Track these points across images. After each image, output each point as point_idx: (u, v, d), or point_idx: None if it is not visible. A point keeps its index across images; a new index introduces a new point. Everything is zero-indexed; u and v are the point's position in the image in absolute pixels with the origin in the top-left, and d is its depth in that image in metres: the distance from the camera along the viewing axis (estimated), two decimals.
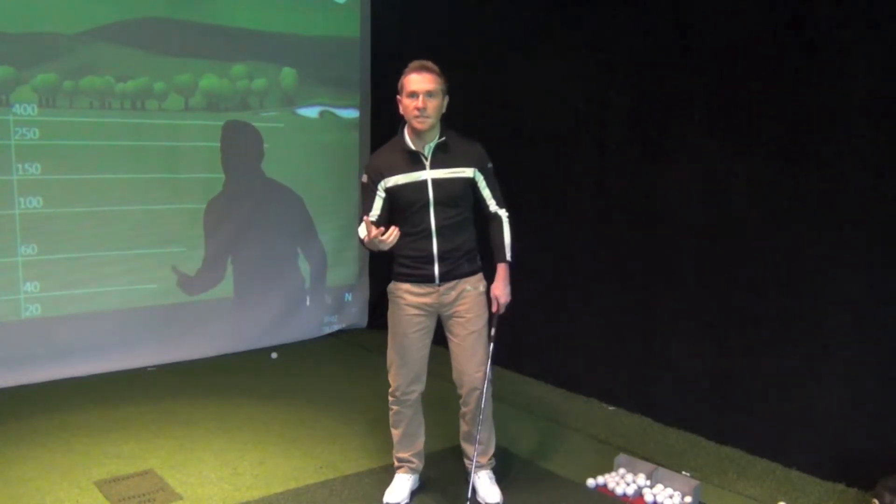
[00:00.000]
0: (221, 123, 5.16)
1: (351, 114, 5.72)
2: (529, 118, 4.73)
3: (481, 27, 5.00)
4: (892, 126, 3.22)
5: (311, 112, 5.55)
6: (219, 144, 5.17)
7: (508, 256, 3.15)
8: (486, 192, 3.12)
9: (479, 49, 5.01)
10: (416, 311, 3.10)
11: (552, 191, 4.65)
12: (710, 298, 3.90)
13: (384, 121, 5.65)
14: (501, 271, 3.14)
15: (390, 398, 3.26)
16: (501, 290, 3.14)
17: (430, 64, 2.98)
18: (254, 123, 5.30)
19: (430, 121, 2.95)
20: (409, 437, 3.29)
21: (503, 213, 3.16)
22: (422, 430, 3.33)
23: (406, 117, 2.99)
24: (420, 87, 2.92)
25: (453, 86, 3.03)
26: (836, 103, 3.37)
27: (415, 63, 2.98)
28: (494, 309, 3.14)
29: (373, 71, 5.73)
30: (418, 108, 2.91)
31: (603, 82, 4.33)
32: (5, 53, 4.41)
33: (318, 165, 5.60)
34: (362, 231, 2.90)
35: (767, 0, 3.58)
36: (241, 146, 5.28)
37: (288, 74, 5.40)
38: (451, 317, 3.14)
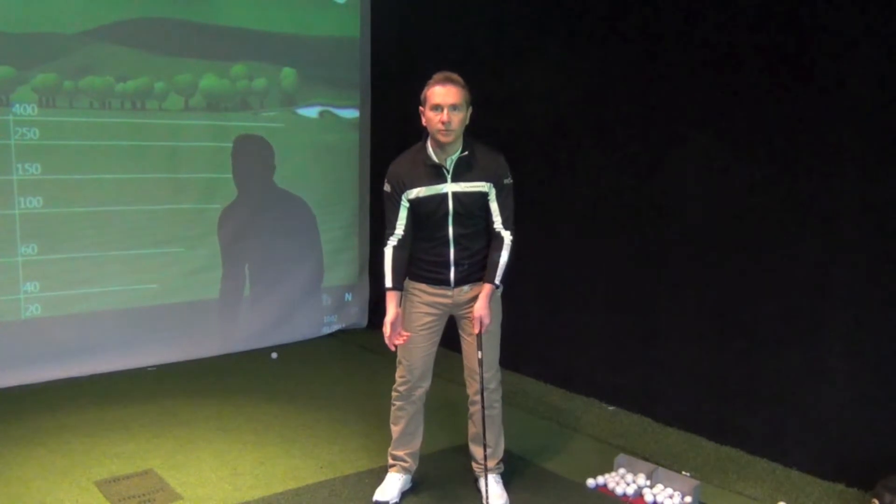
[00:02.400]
0: (221, 123, 5.16)
1: (351, 114, 5.72)
2: (529, 117, 4.73)
3: (481, 27, 5.00)
4: (892, 126, 3.22)
5: (311, 112, 5.55)
6: (218, 145, 5.17)
7: (497, 280, 3.05)
8: (495, 207, 3.06)
9: (478, 48, 5.01)
10: (428, 310, 3.13)
11: (552, 190, 4.65)
12: (711, 298, 3.90)
13: (384, 121, 5.67)
14: (486, 291, 3.04)
15: (394, 394, 3.27)
16: (484, 309, 3.02)
17: (454, 76, 2.95)
18: (254, 123, 5.30)
19: (453, 134, 2.94)
20: (407, 436, 3.30)
21: (507, 235, 3.06)
22: (420, 431, 3.33)
23: (429, 130, 2.97)
24: (444, 100, 2.89)
25: None
26: (836, 103, 3.37)
27: (439, 75, 2.95)
28: (477, 330, 3.05)
29: (373, 71, 5.72)
30: (443, 122, 2.89)
31: (603, 82, 4.33)
32: (5, 53, 4.41)
33: (318, 165, 5.60)
34: (388, 271, 3.05)
35: (767, 2, 3.58)
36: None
37: (288, 74, 5.40)
38: (464, 316, 3.16)
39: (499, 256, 3.05)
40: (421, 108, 2.98)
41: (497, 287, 3.07)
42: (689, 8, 3.88)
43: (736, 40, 3.70)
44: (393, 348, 3.05)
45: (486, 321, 3.03)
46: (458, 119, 2.93)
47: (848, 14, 3.31)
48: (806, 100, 3.47)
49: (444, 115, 2.88)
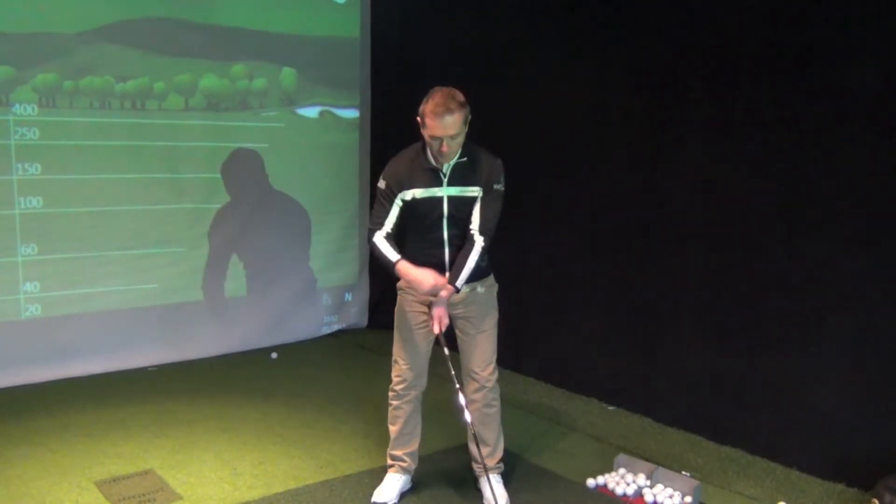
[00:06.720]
0: (221, 123, 5.15)
1: (351, 114, 5.72)
2: (530, 117, 4.73)
3: (481, 27, 5.00)
4: (892, 126, 3.22)
5: (311, 112, 5.54)
6: (218, 145, 5.16)
7: (460, 283, 3.01)
8: (477, 210, 3.03)
9: (478, 49, 5.01)
10: (423, 309, 3.13)
11: (552, 190, 4.65)
12: (710, 298, 3.90)
13: (384, 121, 5.67)
14: (446, 294, 3.01)
15: (391, 394, 3.27)
16: (443, 310, 3.01)
17: (452, 102, 2.85)
18: (254, 123, 5.29)
19: (452, 156, 2.95)
20: (405, 436, 3.30)
21: (480, 240, 3.01)
22: (419, 431, 3.33)
23: (427, 145, 2.96)
24: (444, 132, 2.85)
25: (453, 84, 2.99)
26: (837, 104, 3.38)
27: (438, 99, 2.85)
28: (436, 330, 3.02)
29: (373, 71, 5.72)
30: (442, 152, 2.89)
31: (603, 83, 4.33)
32: (5, 53, 4.40)
33: (318, 165, 5.60)
34: (387, 251, 2.99)
35: (768, 1, 3.58)
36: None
37: (288, 74, 5.40)
38: (460, 315, 3.15)
39: (466, 260, 3.00)
40: (419, 119, 2.94)
41: (457, 290, 3.04)
42: (688, 8, 3.88)
43: (736, 39, 3.69)
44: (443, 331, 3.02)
45: (445, 321, 3.02)
46: (457, 143, 2.92)
47: (849, 12, 3.31)
48: (806, 100, 3.47)
49: (444, 146, 2.88)
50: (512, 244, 4.55)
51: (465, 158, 3.00)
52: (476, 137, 3.09)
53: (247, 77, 5.24)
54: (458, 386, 3.09)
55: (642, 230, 4.18)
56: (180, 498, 3.28)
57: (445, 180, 3.00)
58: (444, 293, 3.01)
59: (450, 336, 3.17)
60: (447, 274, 3.07)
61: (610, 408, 4.37)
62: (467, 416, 3.07)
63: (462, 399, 3.08)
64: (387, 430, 3.34)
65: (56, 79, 4.58)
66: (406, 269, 2.99)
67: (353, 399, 4.49)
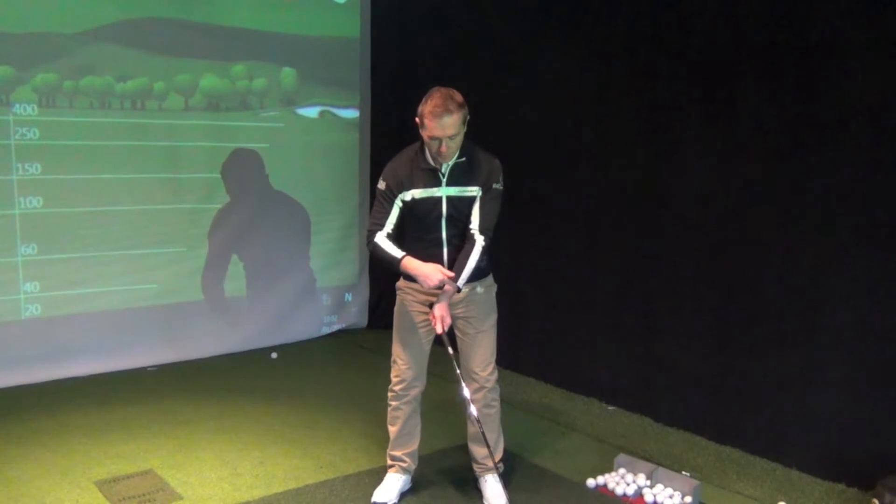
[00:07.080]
0: (221, 123, 5.15)
1: (351, 114, 5.72)
2: (529, 117, 4.73)
3: (481, 28, 5.00)
4: (892, 126, 3.22)
5: (311, 112, 5.55)
6: (218, 145, 5.16)
7: (460, 283, 2.99)
8: (476, 210, 3.03)
9: (478, 48, 5.01)
10: (422, 308, 3.13)
11: (552, 190, 4.65)
12: (710, 298, 3.90)
13: (384, 121, 5.67)
14: (447, 292, 2.99)
15: (390, 394, 3.28)
16: (444, 309, 2.97)
17: (451, 102, 2.85)
18: (254, 123, 5.29)
19: (451, 157, 2.96)
20: (404, 436, 3.30)
21: (480, 240, 3.01)
22: (418, 431, 3.33)
23: (426, 146, 2.97)
24: (443, 133, 2.85)
25: (452, 84, 2.98)
26: (837, 103, 3.37)
27: (436, 100, 2.85)
28: (439, 331, 2.99)
29: (373, 71, 5.72)
30: (441, 153, 2.90)
31: (603, 81, 4.33)
32: (5, 53, 4.41)
33: (318, 165, 5.60)
34: (390, 249, 3.00)
35: (768, 1, 3.58)
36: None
37: (288, 74, 5.40)
38: (460, 315, 3.15)
39: (467, 260, 2.99)
40: (417, 119, 2.94)
41: (458, 290, 3.03)
42: (688, 7, 3.88)
43: (735, 39, 3.69)
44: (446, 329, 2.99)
45: (448, 321, 3.00)
46: (456, 144, 2.92)
47: (848, 11, 3.31)
48: (806, 100, 3.47)
49: (443, 147, 2.88)
50: (512, 244, 4.56)
51: (463, 158, 3.00)
52: (475, 138, 3.09)
53: (247, 77, 5.24)
54: (462, 381, 3.08)
55: (642, 230, 4.18)
56: (180, 498, 3.29)
57: (444, 180, 3.01)
58: (447, 287, 2.99)
59: (449, 336, 3.17)
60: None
61: (610, 408, 4.37)
62: (472, 410, 3.06)
63: (466, 391, 3.07)
64: (387, 429, 3.34)
65: (56, 79, 4.58)
66: (412, 264, 2.99)
67: (353, 399, 4.49)
